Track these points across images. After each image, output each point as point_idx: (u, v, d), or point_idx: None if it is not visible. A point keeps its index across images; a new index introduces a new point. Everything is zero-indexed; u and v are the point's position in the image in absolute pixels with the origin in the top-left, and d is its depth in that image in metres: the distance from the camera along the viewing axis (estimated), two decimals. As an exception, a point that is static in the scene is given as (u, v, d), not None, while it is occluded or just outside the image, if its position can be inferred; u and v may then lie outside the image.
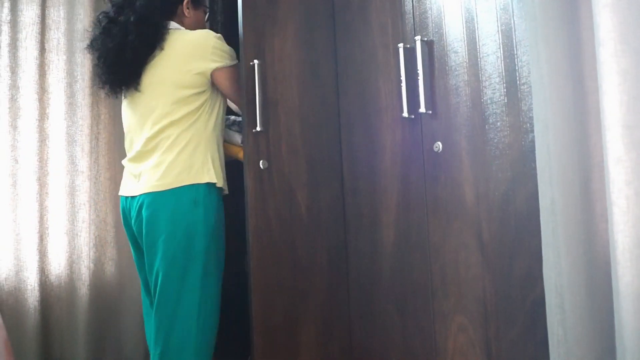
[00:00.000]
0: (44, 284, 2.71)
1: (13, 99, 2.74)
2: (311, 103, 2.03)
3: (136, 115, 1.97)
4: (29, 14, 2.78)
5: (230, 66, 1.96)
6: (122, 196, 2.03)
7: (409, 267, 1.72)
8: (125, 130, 2.06)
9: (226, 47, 1.98)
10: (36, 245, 2.69)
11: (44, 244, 2.73)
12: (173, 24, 1.99)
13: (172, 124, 1.87)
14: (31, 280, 2.67)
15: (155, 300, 1.86)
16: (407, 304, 1.72)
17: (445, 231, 1.60)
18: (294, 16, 2.04)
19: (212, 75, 1.92)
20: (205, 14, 2.18)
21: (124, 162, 2.04)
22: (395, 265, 1.76)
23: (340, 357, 1.97)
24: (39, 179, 2.73)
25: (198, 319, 1.83)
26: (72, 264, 2.76)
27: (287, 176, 1.96)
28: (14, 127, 2.73)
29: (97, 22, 2.01)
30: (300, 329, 1.96)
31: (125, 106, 2.04)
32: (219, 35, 1.98)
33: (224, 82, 1.95)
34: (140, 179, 1.91)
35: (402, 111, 1.70)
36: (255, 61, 1.88)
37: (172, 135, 1.87)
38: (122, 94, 2.02)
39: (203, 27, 2.15)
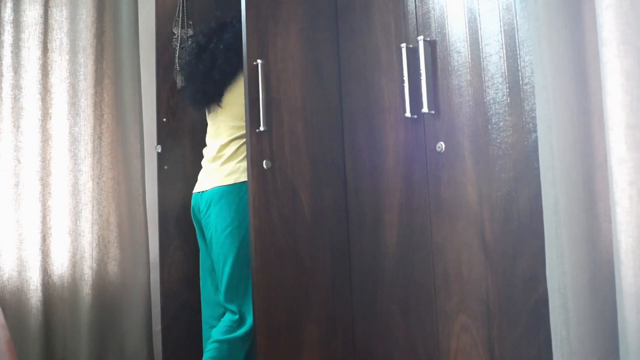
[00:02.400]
0: (47, 284, 2.71)
1: (16, 99, 2.74)
2: (314, 102, 2.04)
3: (214, 126, 2.33)
4: (32, 14, 2.78)
5: None
6: (194, 193, 2.34)
7: (411, 267, 1.72)
8: (207, 137, 2.40)
9: None
10: (39, 245, 2.70)
11: (47, 244, 2.74)
12: None
13: (240, 136, 2.21)
14: (34, 281, 2.68)
15: (225, 283, 2.12)
16: (409, 303, 1.72)
17: (448, 231, 1.60)
18: (297, 16, 2.05)
19: None
20: None
21: (203, 163, 2.38)
22: (398, 265, 1.76)
23: (343, 357, 1.97)
24: (42, 179, 2.73)
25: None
26: (75, 264, 2.76)
27: (290, 176, 1.97)
28: (16, 127, 2.73)
29: (189, 49, 2.43)
30: (303, 329, 1.96)
31: (209, 118, 2.39)
32: None
33: None
34: (211, 177, 2.25)
35: (404, 111, 1.70)
36: (259, 61, 1.89)
37: (238, 144, 2.21)
38: (207, 109, 2.37)
39: None
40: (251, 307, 2.07)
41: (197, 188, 2.35)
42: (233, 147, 2.23)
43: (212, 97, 2.31)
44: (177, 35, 2.63)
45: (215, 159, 2.28)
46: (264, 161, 1.93)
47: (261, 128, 1.89)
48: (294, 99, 2.01)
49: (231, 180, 2.18)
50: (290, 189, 1.97)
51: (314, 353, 1.98)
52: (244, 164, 2.17)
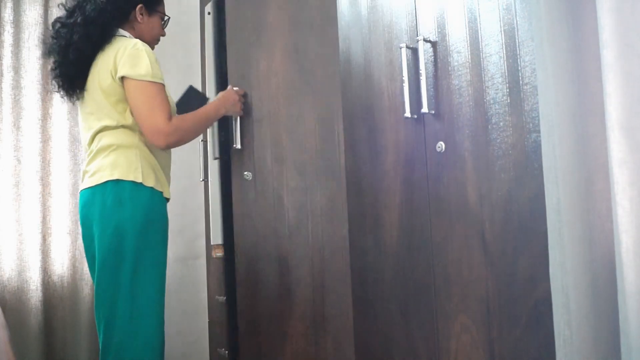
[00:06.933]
0: (47, 283, 2.72)
1: (16, 99, 2.74)
2: (301, 108, 2.09)
3: (83, 122, 2.02)
4: (32, 14, 2.78)
5: (137, 80, 1.88)
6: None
7: (411, 268, 1.72)
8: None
9: (146, 61, 1.89)
10: (39, 245, 2.70)
11: (47, 244, 2.74)
12: (121, 31, 2.01)
13: (104, 128, 1.92)
14: (34, 280, 2.68)
15: (95, 301, 1.90)
16: (409, 304, 1.72)
17: (448, 231, 1.60)
18: (283, 32, 2.09)
19: (122, 82, 1.90)
20: (162, 20, 2.15)
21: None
22: (398, 265, 1.76)
23: (342, 357, 1.97)
24: (42, 179, 2.73)
25: (131, 320, 1.84)
26: (75, 263, 2.77)
27: (272, 184, 2.06)
28: (17, 127, 2.74)
29: (51, 27, 2.05)
30: (287, 329, 2.00)
31: (80, 111, 2.06)
32: (144, 47, 1.93)
33: (129, 93, 1.89)
34: (83, 179, 1.99)
35: (404, 111, 1.70)
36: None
37: (103, 138, 1.92)
38: (76, 97, 2.03)
39: (158, 33, 2.13)
40: None
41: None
42: (97, 142, 1.93)
43: (72, 81, 1.98)
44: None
45: (87, 158, 1.99)
46: (245, 173, 2.03)
47: (237, 146, 2.05)
48: (278, 112, 2.08)
49: (95, 180, 1.90)
50: (274, 196, 2.04)
51: (301, 352, 1.98)
52: (110, 159, 1.89)
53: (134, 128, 1.93)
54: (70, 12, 1.99)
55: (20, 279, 2.68)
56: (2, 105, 2.73)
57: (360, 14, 1.93)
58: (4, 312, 2.41)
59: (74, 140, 2.80)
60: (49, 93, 2.78)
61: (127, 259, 1.84)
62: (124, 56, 1.88)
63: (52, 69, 2.03)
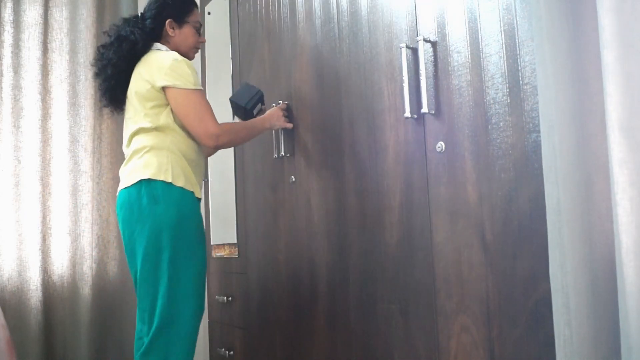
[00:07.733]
0: (47, 284, 2.72)
1: (16, 99, 2.74)
2: (316, 107, 2.16)
3: (124, 125, 2.17)
4: (32, 14, 2.78)
5: (183, 88, 2.00)
6: None
7: (412, 267, 1.72)
8: None
9: (184, 71, 2.02)
10: (39, 246, 2.70)
11: (47, 244, 2.74)
12: (157, 45, 2.15)
13: (139, 130, 2.05)
14: (34, 280, 2.68)
15: (137, 293, 2.03)
16: (410, 304, 1.72)
17: (448, 231, 1.60)
18: (312, 59, 2.22)
19: (165, 92, 2.03)
20: (196, 28, 2.24)
21: None
22: (399, 265, 1.76)
23: (342, 356, 1.97)
24: (42, 179, 2.73)
25: (170, 308, 1.94)
26: (74, 264, 2.77)
27: (305, 186, 2.20)
28: (16, 127, 2.74)
29: (97, 52, 2.24)
30: (315, 323, 1.98)
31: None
32: (182, 59, 2.05)
33: (172, 101, 2.02)
34: (121, 180, 2.11)
35: (404, 111, 1.70)
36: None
37: (138, 141, 2.05)
38: (121, 108, 2.20)
39: (194, 42, 2.23)
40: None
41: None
42: (133, 144, 2.07)
43: (114, 93, 2.15)
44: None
45: (125, 160, 2.13)
46: (291, 176, 2.23)
47: (282, 154, 2.29)
48: (305, 118, 2.21)
49: (132, 179, 2.01)
50: (306, 197, 2.19)
51: (313, 347, 1.98)
52: (143, 160, 2.01)
53: (166, 131, 2.04)
54: (110, 37, 2.17)
55: (20, 279, 2.68)
56: (2, 105, 2.73)
57: (360, 14, 1.93)
58: (4, 312, 2.42)
59: (74, 140, 2.80)
60: (49, 93, 2.79)
61: (165, 251, 1.95)
62: (164, 68, 2.01)
63: (99, 87, 2.20)
